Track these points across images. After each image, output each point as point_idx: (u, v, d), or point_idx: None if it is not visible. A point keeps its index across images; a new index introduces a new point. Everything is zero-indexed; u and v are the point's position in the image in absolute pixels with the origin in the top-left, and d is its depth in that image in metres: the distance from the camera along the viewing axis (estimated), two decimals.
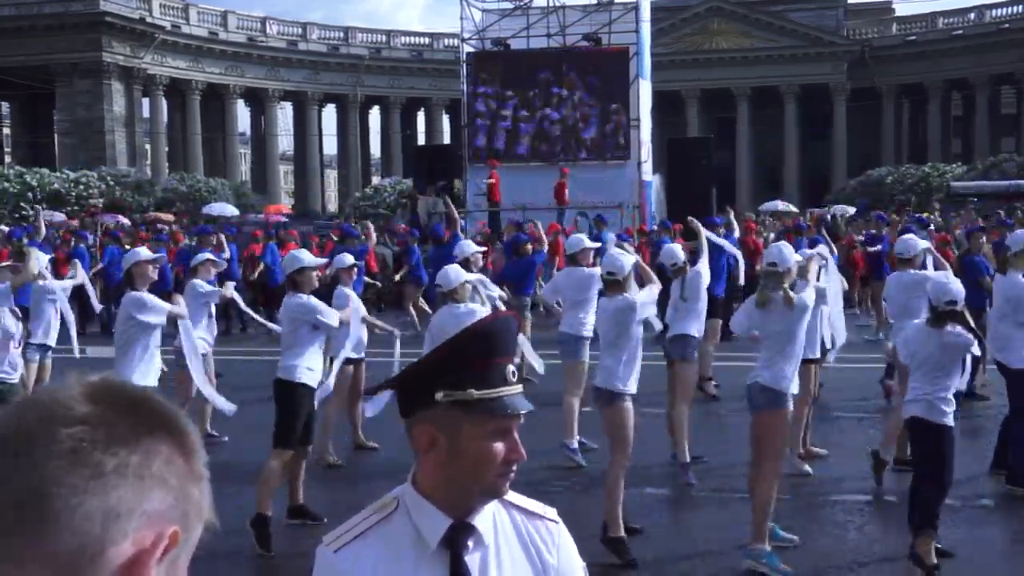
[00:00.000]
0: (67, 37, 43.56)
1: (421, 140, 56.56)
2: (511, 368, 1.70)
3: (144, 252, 7.14)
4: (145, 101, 49.18)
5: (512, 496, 1.79)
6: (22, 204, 36.49)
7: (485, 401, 1.66)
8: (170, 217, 34.36)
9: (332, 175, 73.17)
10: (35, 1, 44.04)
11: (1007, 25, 49.87)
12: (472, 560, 1.71)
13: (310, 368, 6.42)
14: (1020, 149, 46.54)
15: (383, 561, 1.70)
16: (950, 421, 5.58)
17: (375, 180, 54.87)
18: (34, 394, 0.88)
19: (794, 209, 35.52)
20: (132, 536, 0.83)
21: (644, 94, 25.26)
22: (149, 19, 47.01)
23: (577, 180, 22.16)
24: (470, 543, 1.71)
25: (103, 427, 0.83)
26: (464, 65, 25.99)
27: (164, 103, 51.03)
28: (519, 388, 1.70)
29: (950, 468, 5.59)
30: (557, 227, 18.89)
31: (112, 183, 39.25)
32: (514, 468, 1.70)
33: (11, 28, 43.75)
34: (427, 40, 58.07)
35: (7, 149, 52.06)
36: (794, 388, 5.81)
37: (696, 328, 8.01)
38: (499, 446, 1.67)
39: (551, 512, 1.84)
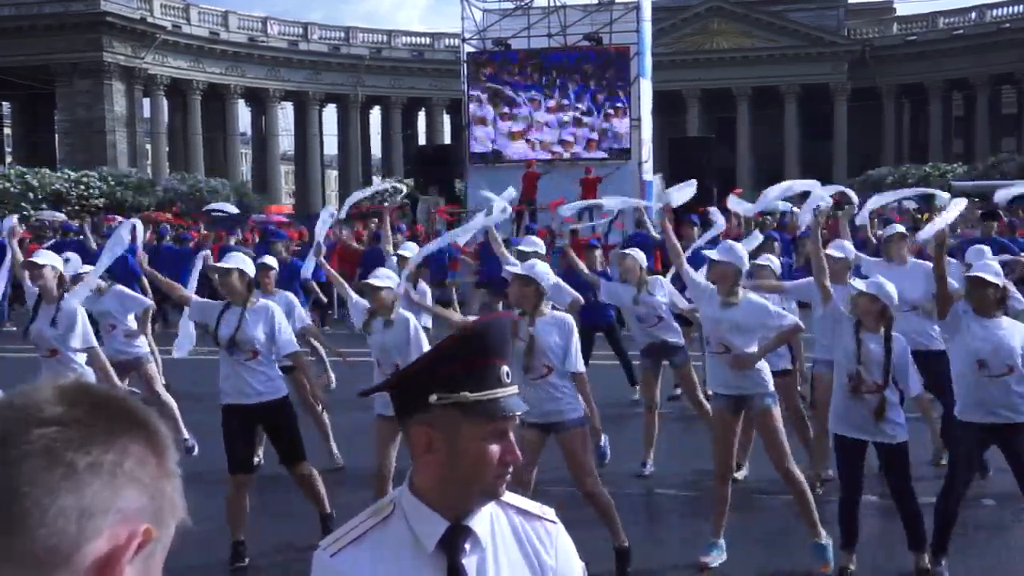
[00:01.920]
0: (68, 37, 43.57)
1: (422, 140, 56.57)
2: (505, 369, 1.70)
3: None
4: (146, 101, 49.18)
5: (510, 497, 1.79)
6: (23, 204, 36.50)
7: (481, 403, 1.66)
8: (168, 216, 34.32)
9: (333, 175, 73.15)
10: (35, 1, 44.04)
11: (1008, 25, 49.86)
12: (469, 563, 1.71)
13: (223, 387, 5.97)
14: (1021, 149, 46.52)
15: (380, 564, 1.70)
16: (831, 427, 5.63)
17: (376, 180, 54.90)
18: (8, 396, 0.89)
19: (796, 209, 35.45)
20: (106, 533, 0.84)
21: (645, 94, 25.26)
22: (150, 19, 47.02)
23: (578, 180, 22.13)
24: (467, 545, 1.71)
25: (76, 427, 0.85)
26: (465, 65, 25.98)
27: (165, 103, 51.03)
28: (514, 389, 1.70)
29: (840, 477, 5.62)
30: (577, 227, 18.85)
31: (113, 183, 39.26)
32: (511, 469, 1.70)
33: (11, 28, 43.75)
34: (428, 40, 58.07)
35: (8, 149, 52.04)
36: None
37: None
38: (495, 448, 1.68)
39: (549, 513, 1.84)
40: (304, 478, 6.04)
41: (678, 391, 10.20)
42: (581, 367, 5.57)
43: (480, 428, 1.67)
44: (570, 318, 5.73)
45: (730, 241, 6.35)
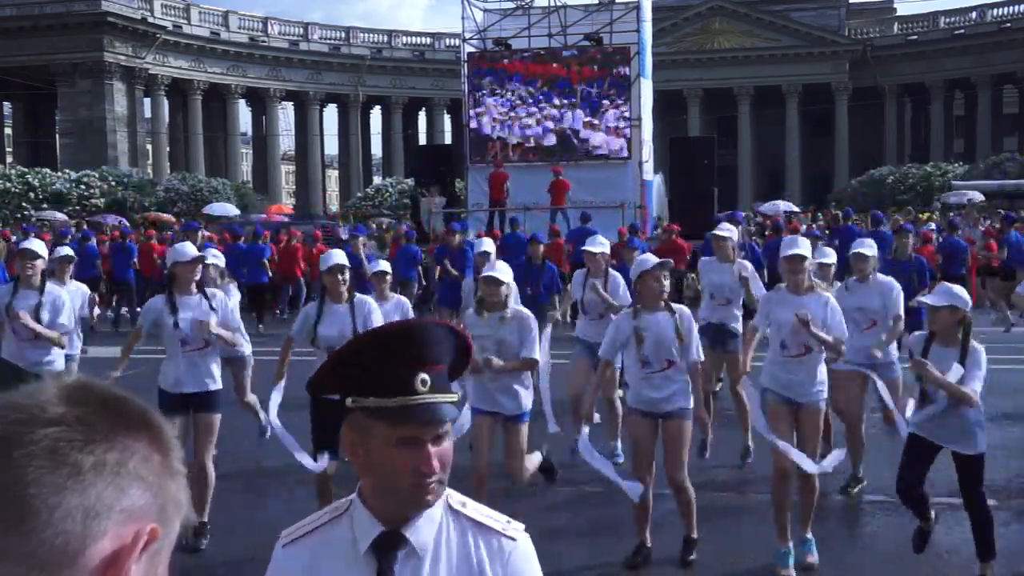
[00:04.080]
0: (69, 37, 43.61)
1: (422, 140, 56.59)
2: (422, 376, 1.62)
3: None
4: (147, 101, 49.23)
5: (472, 508, 1.74)
6: (24, 204, 36.53)
7: (385, 409, 1.62)
8: (171, 218, 34.39)
9: (333, 175, 73.21)
10: (37, 1, 44.08)
11: (1008, 24, 49.88)
12: (403, 571, 1.68)
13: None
14: (1022, 149, 46.51)
15: (319, 561, 1.71)
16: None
17: (376, 180, 54.92)
18: (11, 396, 0.89)
19: (796, 209, 35.49)
20: (112, 533, 0.83)
21: (645, 94, 25.21)
22: (151, 19, 47.06)
23: (578, 180, 22.11)
24: (401, 553, 1.68)
25: (80, 427, 0.84)
26: (465, 65, 25.97)
27: (166, 103, 51.07)
28: (434, 397, 1.63)
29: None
30: (557, 229, 18.89)
31: (114, 183, 39.29)
32: (432, 479, 1.63)
33: (13, 28, 43.80)
34: (428, 40, 58.09)
35: (8, 149, 52.11)
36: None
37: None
38: (405, 456, 1.63)
39: (513, 528, 1.75)
40: None
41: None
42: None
43: (388, 434, 1.62)
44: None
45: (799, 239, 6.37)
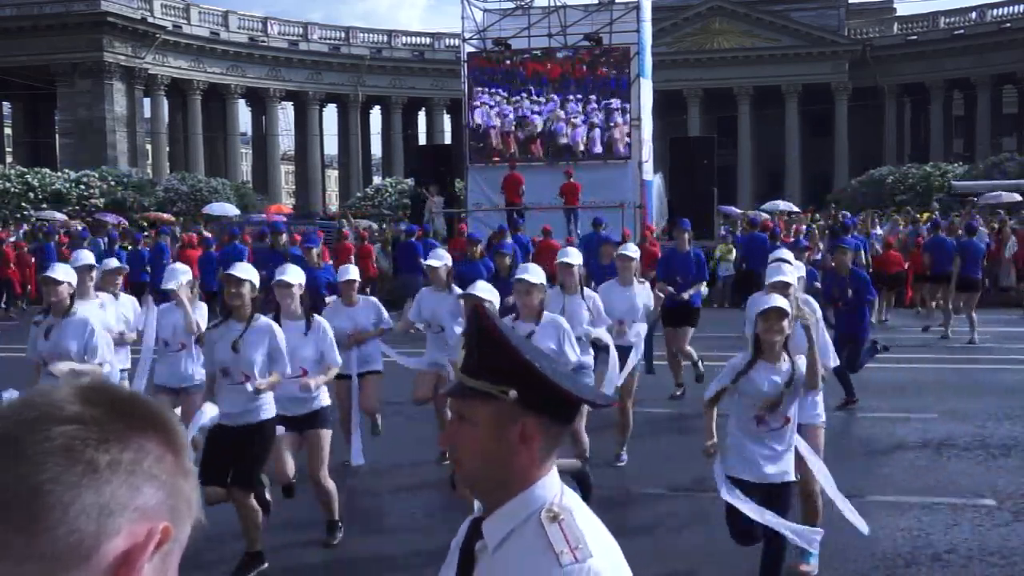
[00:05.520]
0: (68, 37, 43.62)
1: (422, 140, 56.59)
2: (464, 353, 1.66)
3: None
4: (146, 101, 49.23)
5: (558, 522, 1.57)
6: (23, 204, 36.53)
7: None
8: (171, 218, 34.37)
9: (333, 175, 73.20)
10: (37, 1, 44.08)
11: (1008, 25, 49.89)
12: (482, 560, 1.63)
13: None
14: (1021, 149, 46.51)
15: (463, 531, 1.72)
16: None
17: (376, 180, 54.91)
18: (27, 396, 0.90)
19: (795, 209, 35.50)
20: (125, 531, 0.85)
21: (645, 94, 25.23)
22: (150, 19, 47.06)
23: (578, 180, 22.15)
24: (479, 543, 1.63)
25: (95, 426, 0.86)
26: (465, 65, 25.98)
27: (165, 103, 51.07)
28: (463, 376, 1.62)
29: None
30: (548, 228, 18.82)
31: (113, 183, 39.29)
32: (454, 456, 1.66)
33: (13, 28, 43.81)
34: (428, 40, 58.09)
35: (8, 149, 52.09)
36: None
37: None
38: None
39: (571, 554, 1.53)
40: (241, 503, 5.63)
41: (679, 392, 10.23)
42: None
43: None
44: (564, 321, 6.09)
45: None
